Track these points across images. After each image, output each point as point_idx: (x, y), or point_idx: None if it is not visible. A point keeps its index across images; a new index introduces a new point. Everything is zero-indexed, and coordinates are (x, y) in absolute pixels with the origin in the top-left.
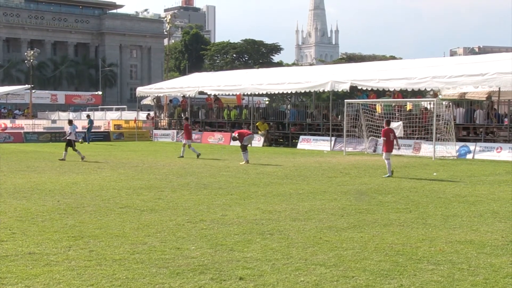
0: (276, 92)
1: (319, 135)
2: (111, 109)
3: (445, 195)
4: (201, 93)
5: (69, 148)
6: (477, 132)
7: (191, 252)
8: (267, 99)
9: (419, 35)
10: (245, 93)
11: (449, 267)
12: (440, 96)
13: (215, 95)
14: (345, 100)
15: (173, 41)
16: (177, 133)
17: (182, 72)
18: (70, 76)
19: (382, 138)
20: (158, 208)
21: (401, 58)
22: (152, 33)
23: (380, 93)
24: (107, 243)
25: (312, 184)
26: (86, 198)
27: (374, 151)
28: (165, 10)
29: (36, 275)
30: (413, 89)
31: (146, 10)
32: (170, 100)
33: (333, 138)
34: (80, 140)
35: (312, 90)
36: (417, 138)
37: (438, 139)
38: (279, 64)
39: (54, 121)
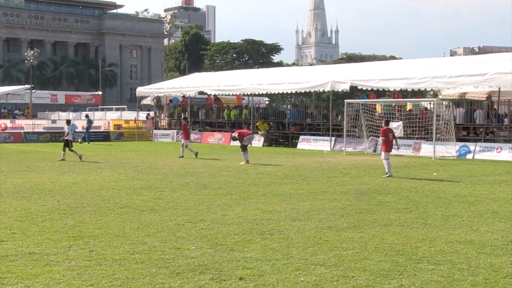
0: (276, 92)
1: (319, 135)
2: (111, 109)
3: (445, 195)
4: (201, 93)
5: (66, 148)
6: (477, 132)
7: (191, 252)
8: (267, 99)
9: (419, 35)
10: (245, 93)
11: (449, 267)
12: (440, 96)
13: (215, 95)
14: (345, 100)
15: (173, 41)
16: (177, 133)
17: (182, 72)
18: (70, 76)
19: (381, 138)
20: (158, 208)
21: (401, 58)
22: (152, 33)
23: (380, 93)
24: (107, 243)
25: (312, 184)
26: (86, 198)
27: (374, 151)
28: (165, 10)
29: (36, 275)
30: (413, 89)
31: (146, 10)
32: (170, 100)
33: (333, 138)
34: (79, 140)
35: (312, 90)
36: (417, 138)
37: (438, 139)
38: (279, 64)
39: (54, 121)
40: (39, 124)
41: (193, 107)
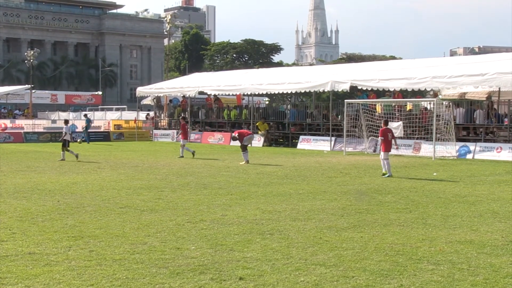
0: (276, 92)
1: (319, 135)
2: (111, 109)
3: (445, 195)
4: (201, 93)
5: (65, 148)
6: (477, 132)
7: (191, 252)
8: (267, 99)
9: (419, 35)
10: (245, 93)
11: (449, 267)
12: (440, 96)
13: (215, 95)
14: (345, 100)
15: (173, 41)
16: (177, 133)
17: (182, 72)
18: (70, 76)
19: (379, 138)
20: (158, 208)
21: (401, 58)
22: (152, 33)
23: (380, 93)
24: (107, 243)
25: (312, 184)
26: (86, 198)
27: (374, 151)
28: (165, 10)
29: (36, 275)
30: (413, 89)
31: (146, 10)
32: (170, 100)
33: (333, 138)
34: (78, 140)
35: (312, 90)
36: (417, 138)
37: (438, 139)
38: (279, 64)
39: (54, 121)
40: (39, 124)
41: (193, 107)
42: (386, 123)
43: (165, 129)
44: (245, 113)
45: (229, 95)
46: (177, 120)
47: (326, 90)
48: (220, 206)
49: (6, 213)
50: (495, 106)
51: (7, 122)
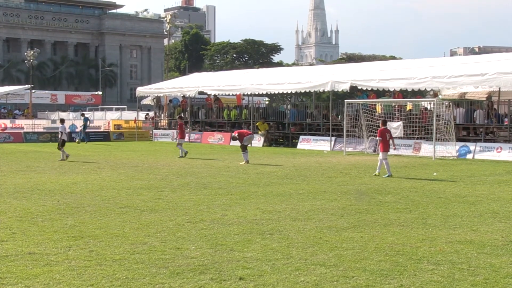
0: (276, 92)
1: (319, 135)
2: (111, 109)
3: (445, 195)
4: (201, 93)
5: (64, 147)
6: (477, 132)
7: (191, 252)
8: (267, 99)
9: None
10: (245, 93)
11: (449, 267)
12: (440, 96)
13: (215, 95)
14: (345, 100)
15: (173, 41)
16: (176, 133)
17: (182, 72)
18: (70, 76)
19: (377, 138)
20: (158, 208)
21: (401, 58)
22: (152, 33)
23: (380, 93)
24: (107, 243)
25: (312, 184)
26: (86, 198)
27: (374, 151)
28: (165, 10)
29: (36, 275)
30: (413, 89)
31: (146, 10)
32: (170, 100)
33: (333, 138)
34: (77, 140)
35: (312, 90)
36: (417, 138)
37: (438, 139)
38: (279, 64)
39: (54, 121)
40: (39, 124)
41: (193, 107)
42: (384, 123)
43: (165, 129)
44: (245, 113)
45: (229, 95)
46: (176, 120)
47: (326, 90)
48: (220, 206)
49: (6, 213)
50: (495, 106)
51: (7, 122)
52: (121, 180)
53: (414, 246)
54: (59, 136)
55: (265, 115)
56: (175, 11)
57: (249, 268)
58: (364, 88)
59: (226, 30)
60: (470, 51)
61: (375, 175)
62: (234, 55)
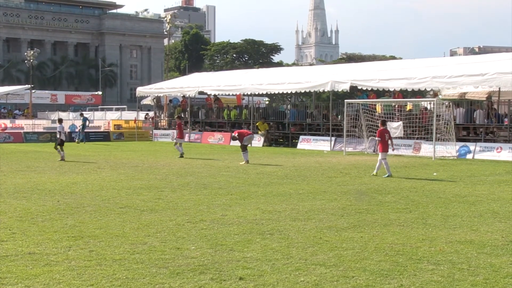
0: (276, 92)
1: (319, 135)
2: (111, 109)
3: (445, 195)
4: (201, 93)
5: (64, 147)
6: (477, 132)
7: (191, 252)
8: (267, 99)
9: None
10: (245, 93)
11: (449, 267)
12: (440, 96)
13: (215, 95)
14: (345, 100)
15: (173, 41)
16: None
17: (182, 72)
18: (70, 76)
19: (377, 138)
20: (158, 208)
21: (401, 58)
22: (152, 33)
23: (380, 93)
24: (107, 243)
25: (312, 184)
26: (86, 198)
27: (374, 151)
28: (165, 10)
29: (36, 275)
30: (413, 89)
31: (146, 10)
32: (170, 100)
33: (333, 138)
34: (76, 140)
35: (312, 90)
36: (417, 138)
37: (438, 139)
38: (279, 64)
39: (54, 121)
40: (39, 124)
41: (193, 107)
42: (383, 124)
43: (165, 129)
44: (245, 113)
45: (229, 95)
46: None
47: (326, 90)
48: (220, 206)
49: (6, 213)
50: (495, 106)
51: (7, 122)
52: (121, 180)
53: (414, 246)
54: (57, 136)
55: (265, 115)
56: (175, 11)
57: (249, 268)
58: (364, 88)
59: (226, 30)
60: (470, 51)
61: (373, 175)
62: (234, 55)
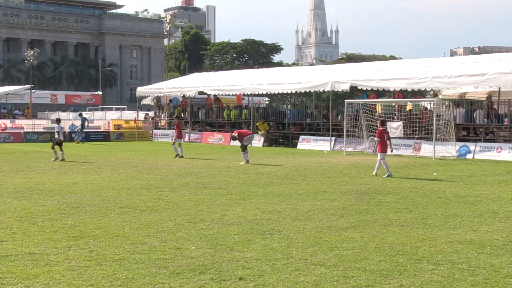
0: (276, 92)
1: (319, 135)
2: (111, 109)
3: (445, 195)
4: (201, 93)
5: (62, 147)
6: (477, 132)
7: (191, 252)
8: (267, 99)
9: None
10: (245, 93)
11: (449, 267)
12: (440, 96)
13: (215, 95)
14: (345, 100)
15: (173, 41)
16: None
17: (182, 72)
18: (70, 76)
19: (376, 139)
20: (158, 208)
21: (401, 58)
22: (152, 33)
23: (380, 93)
24: (107, 243)
25: (312, 184)
26: (86, 198)
27: (374, 151)
28: (165, 10)
29: (36, 275)
30: (413, 89)
31: (146, 10)
32: (170, 100)
33: (333, 138)
34: (76, 140)
35: (312, 90)
36: (417, 138)
37: (438, 139)
38: (279, 64)
39: (54, 121)
40: (39, 124)
41: (193, 107)
42: (382, 124)
43: (165, 129)
44: (245, 113)
45: (229, 95)
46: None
47: (326, 90)
48: (220, 206)
49: (6, 213)
50: (495, 106)
51: (7, 122)
52: (121, 180)
53: (414, 246)
54: (56, 136)
55: (265, 115)
56: (175, 11)
57: (249, 268)
58: (364, 88)
59: (226, 30)
60: (470, 51)
61: (373, 175)
62: (234, 55)
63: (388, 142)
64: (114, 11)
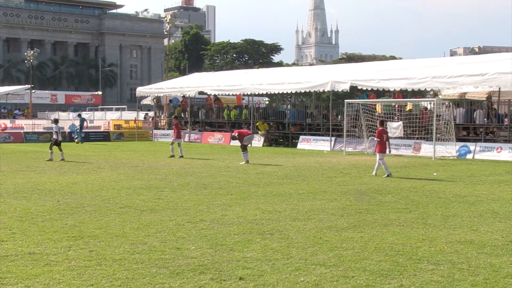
0: (276, 92)
1: (319, 135)
2: (111, 109)
3: (445, 195)
4: (201, 93)
5: (61, 147)
6: (477, 132)
7: (191, 252)
8: (267, 99)
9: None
10: (245, 93)
11: (449, 267)
12: (440, 96)
13: (215, 95)
14: (345, 100)
15: (173, 41)
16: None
17: (182, 72)
18: (70, 76)
19: (375, 139)
20: (158, 208)
21: (401, 58)
22: (152, 33)
23: (380, 93)
24: (107, 243)
25: (312, 184)
26: (86, 198)
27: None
28: (165, 10)
29: (36, 275)
30: (413, 89)
31: (146, 10)
32: (170, 100)
33: (333, 138)
34: (76, 141)
35: (312, 90)
36: (417, 138)
37: (438, 139)
38: (279, 64)
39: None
40: (39, 124)
41: (193, 107)
42: (382, 124)
43: (165, 129)
44: (245, 113)
45: (229, 95)
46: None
47: (326, 90)
48: (220, 206)
49: (6, 213)
50: (495, 106)
51: (7, 122)
52: (121, 180)
53: (414, 246)
54: (54, 137)
55: (265, 115)
56: (175, 11)
57: (249, 268)
58: (364, 88)
59: (226, 30)
60: (470, 51)
61: (372, 175)
62: (234, 55)
63: (387, 142)
64: (114, 11)
